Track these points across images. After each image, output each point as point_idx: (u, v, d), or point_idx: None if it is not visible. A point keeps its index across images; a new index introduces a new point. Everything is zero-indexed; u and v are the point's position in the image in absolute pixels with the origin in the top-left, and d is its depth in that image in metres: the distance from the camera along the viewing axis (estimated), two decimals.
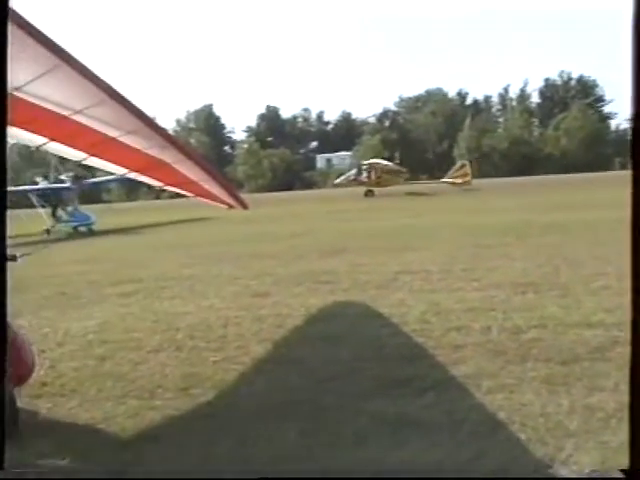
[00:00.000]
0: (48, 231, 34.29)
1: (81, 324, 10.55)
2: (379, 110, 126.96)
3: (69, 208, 36.12)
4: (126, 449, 5.61)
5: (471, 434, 5.49)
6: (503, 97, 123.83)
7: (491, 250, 16.48)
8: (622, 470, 3.91)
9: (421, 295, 11.41)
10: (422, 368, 7.34)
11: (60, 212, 36.28)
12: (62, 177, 37.50)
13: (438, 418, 5.88)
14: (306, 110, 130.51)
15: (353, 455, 5.25)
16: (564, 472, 4.80)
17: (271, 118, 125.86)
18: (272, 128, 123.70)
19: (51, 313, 11.65)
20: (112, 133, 8.24)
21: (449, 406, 6.15)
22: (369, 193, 57.12)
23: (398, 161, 69.98)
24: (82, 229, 35.19)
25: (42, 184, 39.50)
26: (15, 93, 7.46)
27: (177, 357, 8.42)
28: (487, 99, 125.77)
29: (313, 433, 5.71)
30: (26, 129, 8.96)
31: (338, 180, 65.64)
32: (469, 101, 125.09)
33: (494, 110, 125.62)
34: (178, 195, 11.08)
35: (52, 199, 36.92)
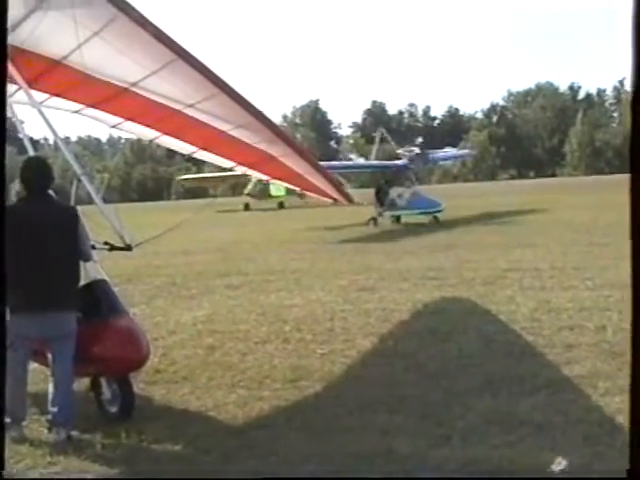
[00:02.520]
0: (375, 220, 28.20)
1: None
2: (487, 105, 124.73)
3: (404, 191, 28.69)
4: (236, 436, 5.69)
5: (586, 437, 5.28)
6: (618, 90, 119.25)
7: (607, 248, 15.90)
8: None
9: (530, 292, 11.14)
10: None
11: (392, 196, 28.77)
12: (400, 151, 30.82)
13: (550, 418, 5.69)
14: (412, 105, 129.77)
15: (461, 453, 5.14)
16: None
17: (377, 113, 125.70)
18: (378, 124, 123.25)
19: None
20: (222, 127, 8.38)
21: (562, 407, 5.94)
22: None
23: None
24: (405, 219, 28.42)
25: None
26: (132, 89, 7.70)
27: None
28: (600, 92, 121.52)
29: (420, 430, 5.63)
30: (140, 123, 9.23)
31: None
32: (581, 95, 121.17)
33: (607, 104, 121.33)
34: None
35: (379, 180, 30.03)
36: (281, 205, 49.20)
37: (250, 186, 48.88)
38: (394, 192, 28.60)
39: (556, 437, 5.31)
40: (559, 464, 4.53)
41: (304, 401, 6.62)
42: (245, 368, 7.70)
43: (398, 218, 28.65)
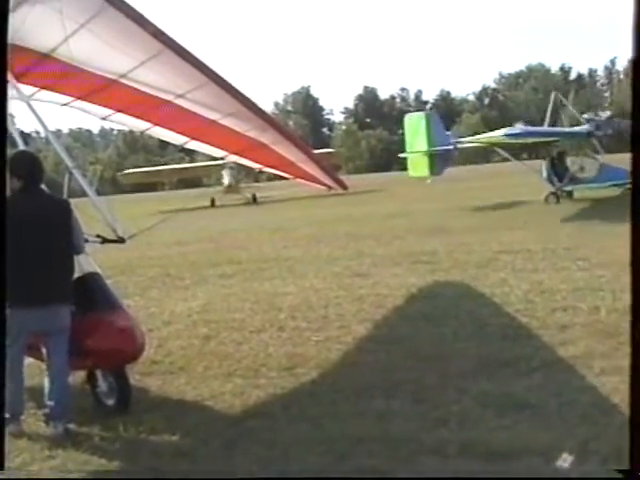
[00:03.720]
0: (555, 196, 24.26)
1: None
2: (478, 88, 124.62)
3: (587, 161, 25.49)
4: (234, 426, 5.72)
5: (582, 417, 5.32)
6: (609, 70, 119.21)
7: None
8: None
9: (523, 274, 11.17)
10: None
11: (573, 168, 25.40)
12: (586, 116, 26.92)
13: (546, 400, 5.72)
14: (404, 90, 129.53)
15: (458, 435, 5.17)
16: None
17: (369, 99, 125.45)
18: (370, 109, 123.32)
19: None
20: (213, 116, 8.37)
21: (557, 388, 5.98)
22: None
23: None
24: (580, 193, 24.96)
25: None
26: (121, 80, 7.68)
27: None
28: (592, 73, 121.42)
29: (417, 414, 5.66)
30: (131, 115, 9.21)
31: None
32: (573, 75, 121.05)
33: (599, 84, 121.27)
34: None
35: (550, 150, 26.33)
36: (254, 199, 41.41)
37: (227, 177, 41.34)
38: (573, 163, 25.55)
39: (551, 419, 5.35)
40: (565, 460, 4.54)
41: (300, 388, 6.65)
42: (241, 357, 7.72)
43: (570, 193, 25.16)
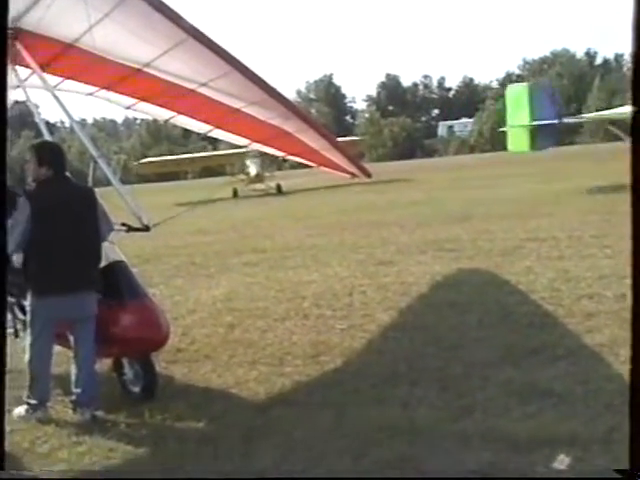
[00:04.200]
0: None
1: None
2: (502, 74, 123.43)
3: None
4: (259, 413, 5.74)
5: (607, 406, 5.28)
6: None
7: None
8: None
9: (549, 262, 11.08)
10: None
11: None
12: None
13: (571, 388, 5.68)
14: (427, 77, 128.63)
15: (481, 425, 5.15)
16: None
17: (391, 86, 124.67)
18: (393, 96, 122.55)
19: None
20: (236, 104, 8.38)
21: (583, 376, 5.94)
22: None
23: None
24: None
25: None
26: (145, 69, 7.70)
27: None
28: (618, 57, 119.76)
29: (441, 402, 5.65)
30: (155, 104, 9.24)
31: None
32: (598, 61, 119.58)
33: (625, 69, 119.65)
34: None
35: None
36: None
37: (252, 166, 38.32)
38: None
39: (577, 407, 5.32)
40: (562, 462, 4.50)
41: (325, 376, 6.66)
42: (265, 345, 7.75)
43: None
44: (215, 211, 25.11)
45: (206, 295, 10.82)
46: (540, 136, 26.19)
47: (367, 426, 5.25)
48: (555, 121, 26.03)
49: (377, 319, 8.53)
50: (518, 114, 26.50)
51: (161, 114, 9.84)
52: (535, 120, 25.76)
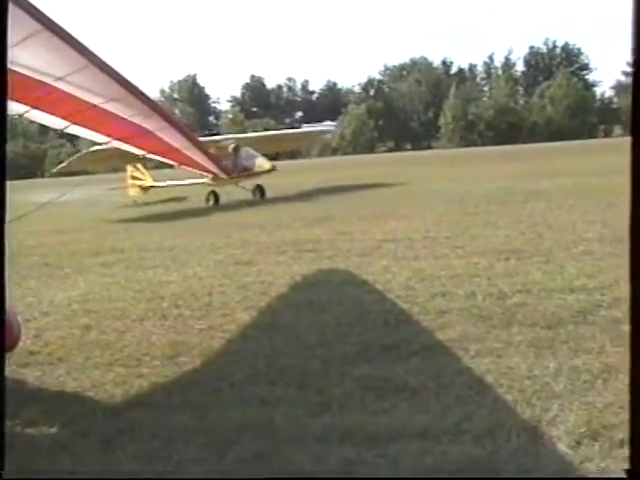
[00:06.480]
0: None
1: None
2: (364, 79, 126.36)
3: None
4: (115, 416, 5.62)
5: (458, 398, 5.53)
6: (488, 65, 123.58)
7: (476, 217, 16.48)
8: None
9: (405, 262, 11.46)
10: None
11: None
12: None
13: (424, 382, 5.91)
14: (291, 80, 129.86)
15: (339, 420, 5.27)
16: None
17: (256, 88, 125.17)
18: (257, 98, 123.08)
19: None
20: (94, 100, 8.16)
21: (435, 371, 6.18)
22: None
23: None
24: None
25: None
26: None
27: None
28: (472, 68, 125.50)
29: (300, 399, 5.74)
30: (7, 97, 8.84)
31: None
32: (454, 70, 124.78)
33: (479, 79, 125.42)
34: None
35: None
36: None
37: None
38: None
39: (429, 400, 5.53)
40: None
41: (184, 377, 6.60)
42: (123, 346, 7.59)
43: None
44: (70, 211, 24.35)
45: (61, 296, 10.47)
46: None
47: (227, 426, 5.25)
48: None
49: (237, 319, 8.53)
50: None
51: (14, 108, 9.43)
52: None
